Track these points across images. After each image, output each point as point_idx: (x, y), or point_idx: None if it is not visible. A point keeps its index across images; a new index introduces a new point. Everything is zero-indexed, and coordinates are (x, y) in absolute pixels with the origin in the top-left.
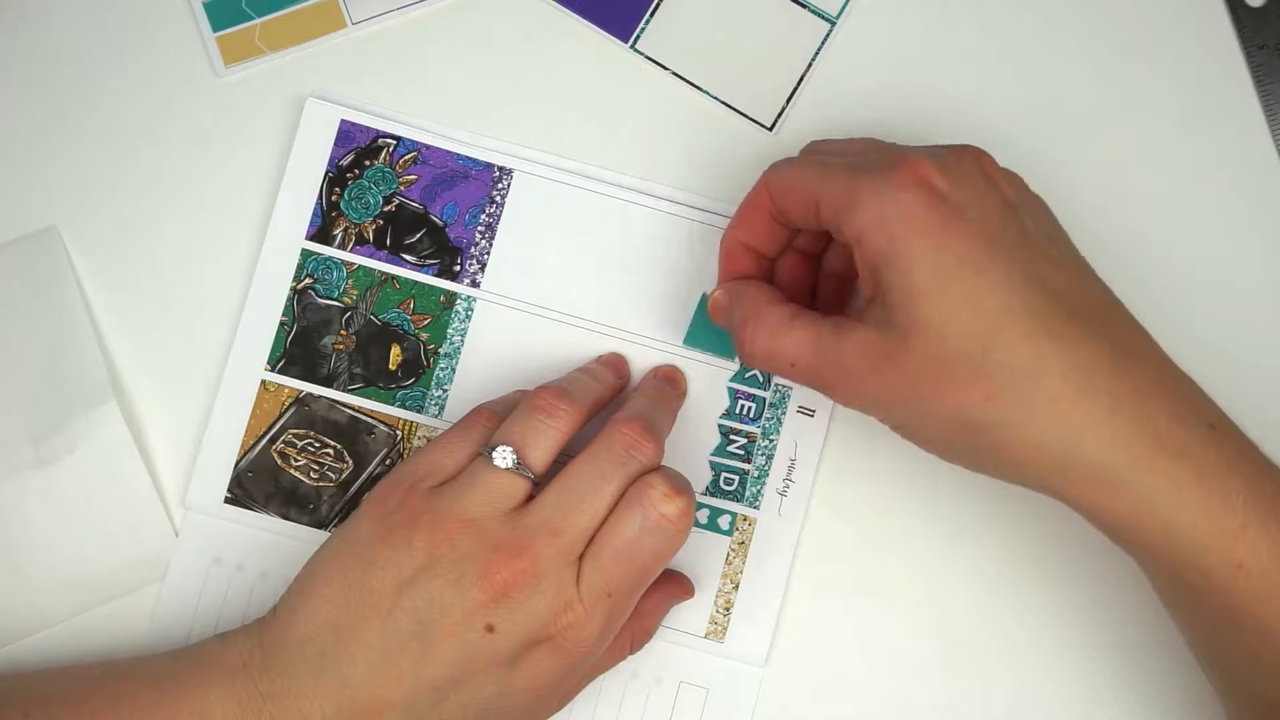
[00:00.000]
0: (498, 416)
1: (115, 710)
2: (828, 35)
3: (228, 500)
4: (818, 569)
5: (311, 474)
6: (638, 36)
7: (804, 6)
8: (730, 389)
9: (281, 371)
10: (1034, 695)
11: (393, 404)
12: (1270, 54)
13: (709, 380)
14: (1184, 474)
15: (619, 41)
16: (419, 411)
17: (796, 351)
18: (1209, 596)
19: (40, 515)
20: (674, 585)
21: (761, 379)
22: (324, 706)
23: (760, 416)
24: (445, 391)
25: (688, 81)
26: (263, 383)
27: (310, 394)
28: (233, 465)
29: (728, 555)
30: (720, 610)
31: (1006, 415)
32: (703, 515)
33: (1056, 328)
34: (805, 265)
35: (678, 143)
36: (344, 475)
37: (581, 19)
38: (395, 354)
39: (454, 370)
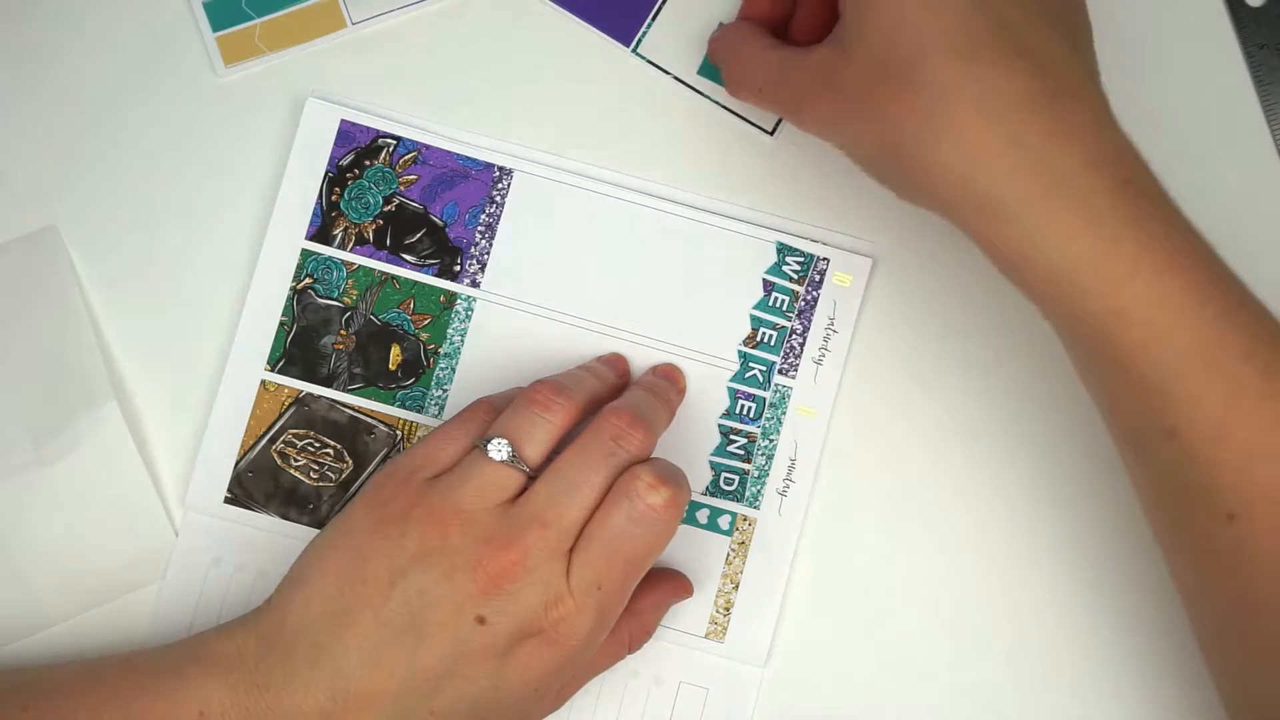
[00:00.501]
0: (496, 410)
1: (114, 702)
2: None
3: (228, 500)
4: (818, 569)
5: (311, 474)
6: (639, 41)
7: None
8: (730, 389)
9: (281, 371)
10: (1035, 694)
11: (393, 404)
12: (1270, 54)
13: (709, 380)
14: (1074, 217)
15: (620, 45)
16: (419, 411)
17: (763, 74)
18: (1096, 347)
19: (40, 515)
20: (672, 584)
21: (761, 379)
22: (319, 697)
23: (760, 416)
24: (445, 391)
25: (688, 85)
26: (263, 383)
27: (310, 394)
28: (233, 465)
29: (728, 555)
30: (720, 610)
31: (920, 133)
32: (703, 515)
33: (990, 54)
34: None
35: (678, 145)
36: (344, 475)
37: (582, 21)
38: (395, 354)
39: (454, 370)
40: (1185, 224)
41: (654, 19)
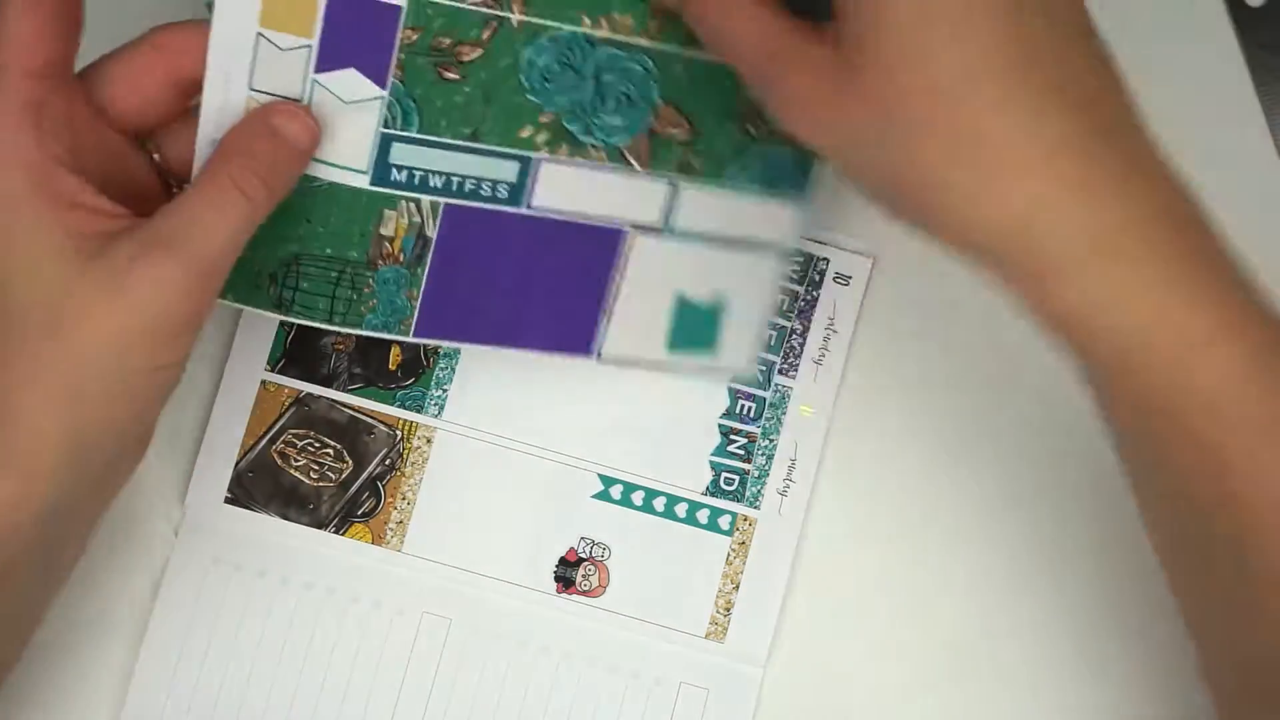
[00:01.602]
0: None
1: None
2: None
3: (228, 500)
4: (818, 569)
5: (311, 474)
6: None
7: None
8: (730, 389)
9: (281, 371)
10: (1037, 694)
11: (393, 404)
12: (1270, 54)
13: (710, 380)
14: (1137, 276)
15: None
16: (419, 411)
17: (744, 31)
18: (1152, 408)
19: None
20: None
21: (761, 380)
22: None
23: (760, 416)
24: (445, 391)
25: None
26: (263, 383)
27: (310, 394)
28: (233, 465)
29: (728, 555)
30: (720, 610)
31: (949, 177)
32: (703, 515)
33: (1026, 94)
34: None
35: None
36: (344, 475)
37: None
38: (395, 354)
39: (454, 370)
40: (1237, 267)
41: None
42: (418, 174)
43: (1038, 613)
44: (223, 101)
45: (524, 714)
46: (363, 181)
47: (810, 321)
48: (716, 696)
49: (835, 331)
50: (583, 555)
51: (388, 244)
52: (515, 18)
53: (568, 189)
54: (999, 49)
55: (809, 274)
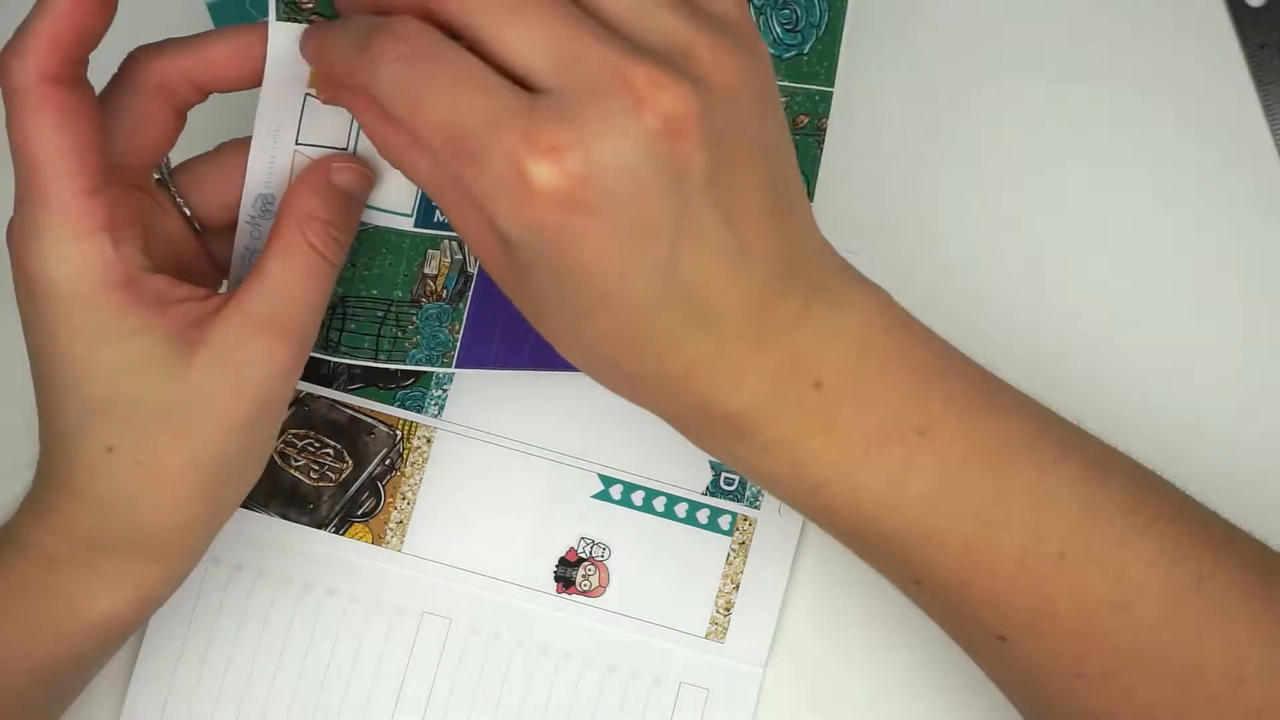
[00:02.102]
0: None
1: None
2: None
3: None
4: (818, 569)
5: (311, 474)
6: None
7: None
8: None
9: None
10: None
11: (393, 404)
12: (1270, 54)
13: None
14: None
15: None
16: (419, 411)
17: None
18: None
19: None
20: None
21: None
22: None
23: None
24: (445, 391)
25: None
26: None
27: (310, 394)
28: None
29: (728, 555)
30: (720, 610)
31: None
32: (703, 515)
33: (713, 323)
34: None
35: None
36: (344, 475)
37: None
38: None
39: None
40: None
41: None
42: None
43: None
44: (270, 157)
45: (524, 714)
46: (407, 224)
47: None
48: (716, 696)
49: None
50: (583, 555)
51: (431, 282)
52: None
53: None
54: (667, 310)
55: None
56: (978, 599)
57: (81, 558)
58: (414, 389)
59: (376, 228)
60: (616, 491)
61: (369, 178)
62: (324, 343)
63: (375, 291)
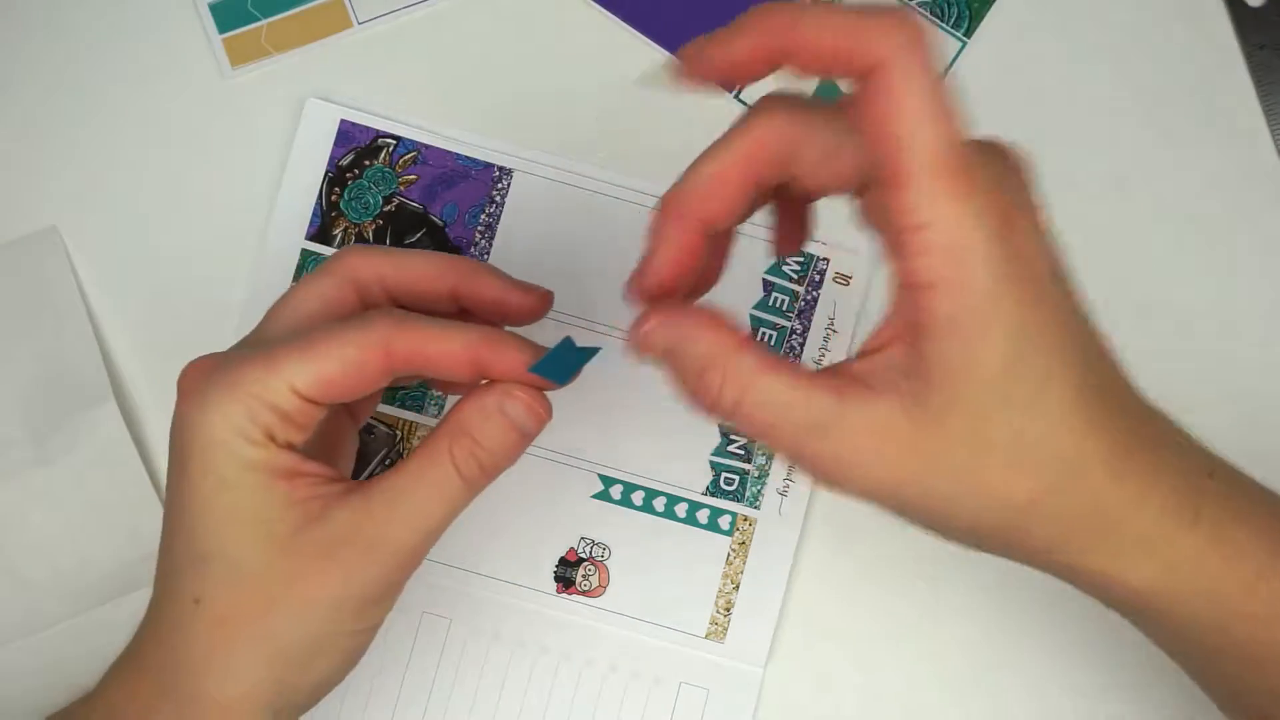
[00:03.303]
0: None
1: None
2: None
3: None
4: (818, 569)
5: None
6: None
7: None
8: None
9: None
10: (1037, 694)
11: (393, 404)
12: (1270, 54)
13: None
14: (1203, 539)
15: (646, 42)
16: (419, 411)
17: (776, 417)
18: (1224, 646)
19: (40, 515)
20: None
21: None
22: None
23: None
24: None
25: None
26: None
27: None
28: None
29: (728, 555)
30: (720, 610)
31: (1047, 509)
32: (703, 515)
33: (1097, 414)
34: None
35: (675, 139)
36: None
37: (616, 19)
38: None
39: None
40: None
41: None
42: None
43: (1037, 612)
44: None
45: (524, 714)
46: None
47: (810, 321)
48: (716, 696)
49: (835, 331)
50: (583, 555)
51: None
52: None
53: None
54: (1071, 386)
55: (809, 274)
56: None
57: (137, 715)
58: (414, 389)
59: None
60: (616, 491)
61: (543, 417)
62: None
63: None
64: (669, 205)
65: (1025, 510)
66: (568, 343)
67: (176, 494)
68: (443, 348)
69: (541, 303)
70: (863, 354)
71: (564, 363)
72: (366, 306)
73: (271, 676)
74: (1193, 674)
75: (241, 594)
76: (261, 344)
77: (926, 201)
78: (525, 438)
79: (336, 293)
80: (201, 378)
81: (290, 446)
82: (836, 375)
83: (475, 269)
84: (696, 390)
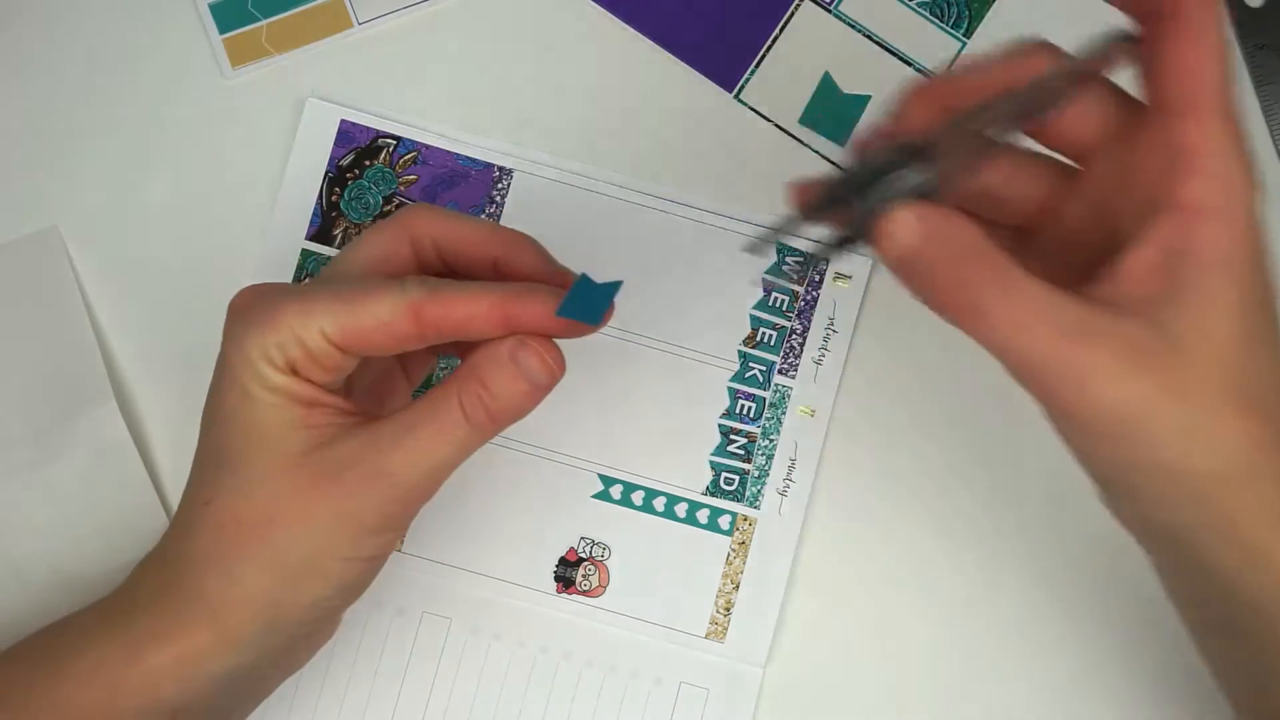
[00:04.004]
0: None
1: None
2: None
3: None
4: (818, 569)
5: None
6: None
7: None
8: (730, 389)
9: None
10: (1036, 693)
11: None
12: (1270, 54)
13: (709, 380)
14: None
15: (634, 35)
16: None
17: (1027, 311)
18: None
19: (40, 515)
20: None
21: (761, 379)
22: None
23: (760, 416)
24: None
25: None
26: None
27: None
28: None
29: (728, 555)
30: (720, 610)
31: (1263, 467)
32: (703, 515)
33: None
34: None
35: (675, 138)
36: None
37: (623, 24)
38: None
39: (453, 370)
40: None
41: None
42: None
43: (1038, 611)
44: None
45: (524, 714)
46: None
47: (810, 321)
48: (716, 696)
49: (835, 331)
50: (583, 555)
51: None
52: None
53: None
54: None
55: (809, 274)
56: None
57: (140, 611)
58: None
59: None
60: (616, 491)
61: (554, 370)
62: None
63: None
64: (923, 88)
65: (1249, 459)
66: (585, 280)
67: (209, 402)
68: (470, 310)
69: (569, 284)
70: (1100, 281)
71: (589, 302)
72: (420, 261)
73: (265, 584)
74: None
75: (247, 502)
76: (319, 282)
77: (1213, 131)
78: (536, 389)
79: (394, 245)
80: (251, 301)
81: (312, 382)
82: (1084, 293)
83: (518, 241)
84: (951, 285)
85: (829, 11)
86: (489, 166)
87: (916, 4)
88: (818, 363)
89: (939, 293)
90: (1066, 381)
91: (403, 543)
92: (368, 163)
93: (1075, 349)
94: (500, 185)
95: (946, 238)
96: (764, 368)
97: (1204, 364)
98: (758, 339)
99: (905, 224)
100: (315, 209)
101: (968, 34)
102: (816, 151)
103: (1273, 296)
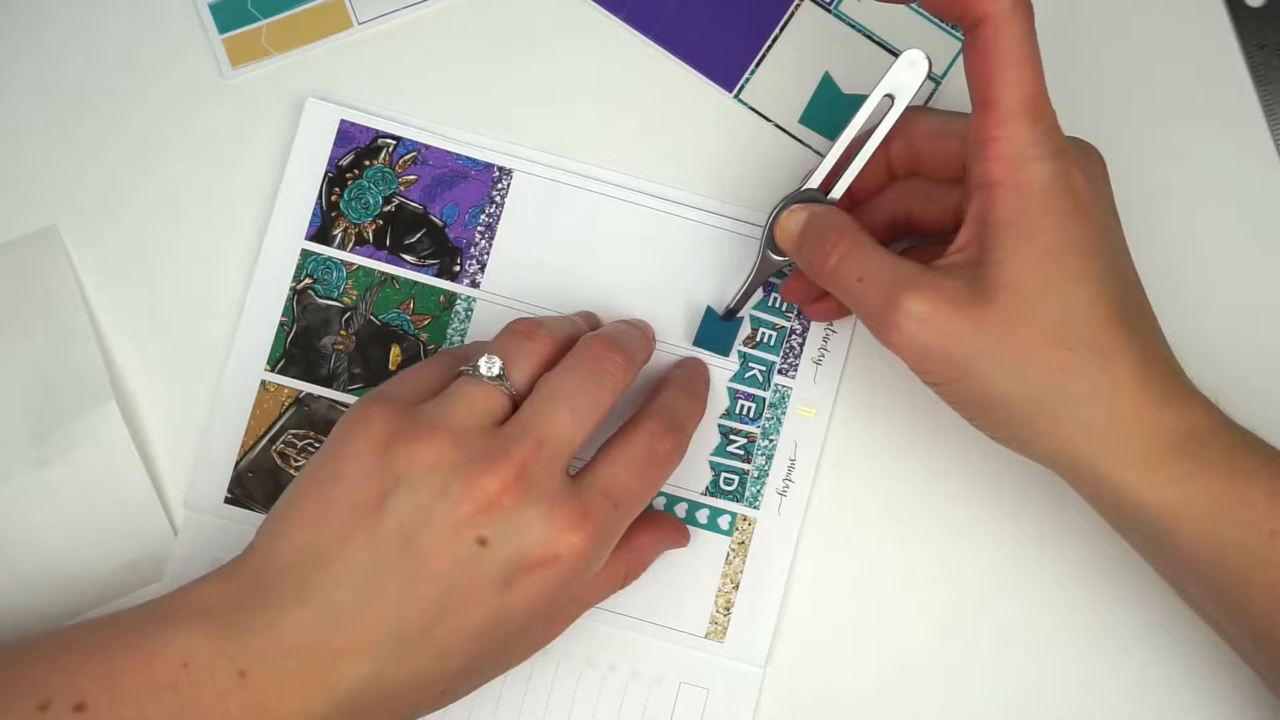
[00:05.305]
0: (462, 358)
1: (91, 663)
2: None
3: (228, 500)
4: (818, 569)
5: None
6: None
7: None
8: (730, 389)
9: (281, 372)
10: (1036, 693)
11: None
12: (1270, 54)
13: (709, 381)
14: (1222, 471)
15: (636, 36)
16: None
17: (867, 268)
18: (1246, 563)
19: (40, 515)
20: (670, 527)
21: (761, 379)
22: (308, 636)
23: (760, 416)
24: None
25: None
26: (262, 383)
27: (310, 394)
28: (233, 465)
29: (728, 555)
30: (720, 610)
31: (1071, 390)
32: (703, 515)
33: (1131, 320)
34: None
35: (675, 138)
36: None
37: (623, 23)
38: (395, 354)
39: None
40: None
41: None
42: None
43: (1038, 611)
44: None
45: (523, 714)
46: None
47: (810, 321)
48: (716, 696)
49: (835, 331)
50: None
51: None
52: None
53: None
54: (1108, 291)
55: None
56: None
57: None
58: None
59: None
60: None
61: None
62: None
63: None
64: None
65: (1057, 380)
66: (710, 312)
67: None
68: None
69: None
70: (945, 254)
71: (716, 333)
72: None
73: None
74: (1209, 613)
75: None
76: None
77: (1006, 121)
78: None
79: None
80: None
81: None
82: (928, 263)
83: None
84: (820, 253)
85: (829, 11)
86: (489, 166)
87: (916, 4)
88: (818, 363)
89: (812, 260)
90: (894, 323)
91: None
92: (367, 162)
93: (901, 295)
94: (500, 185)
95: (820, 222)
96: (764, 368)
97: (1009, 308)
98: (757, 339)
99: (793, 215)
100: (315, 209)
101: None
102: (817, 152)
103: (1097, 243)
